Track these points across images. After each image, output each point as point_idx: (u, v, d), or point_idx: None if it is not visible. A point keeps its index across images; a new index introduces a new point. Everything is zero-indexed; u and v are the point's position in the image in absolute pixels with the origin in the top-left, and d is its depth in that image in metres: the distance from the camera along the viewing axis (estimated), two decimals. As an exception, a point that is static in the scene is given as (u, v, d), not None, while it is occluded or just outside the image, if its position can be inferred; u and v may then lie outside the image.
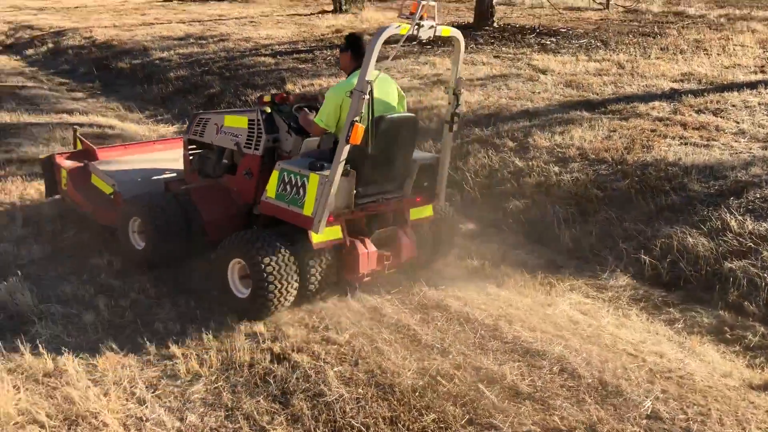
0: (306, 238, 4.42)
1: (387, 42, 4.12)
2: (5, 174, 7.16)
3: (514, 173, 6.61)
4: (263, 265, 4.22)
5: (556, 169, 6.42)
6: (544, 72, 9.52)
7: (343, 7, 18.89)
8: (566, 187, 6.18)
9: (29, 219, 5.99)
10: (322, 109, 4.66)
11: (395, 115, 4.73)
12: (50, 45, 17.01)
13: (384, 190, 4.84)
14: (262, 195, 4.70)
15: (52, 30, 18.56)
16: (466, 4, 18.59)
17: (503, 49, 11.53)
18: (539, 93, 8.51)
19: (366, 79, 4.12)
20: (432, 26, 4.30)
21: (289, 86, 10.44)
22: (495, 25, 13.75)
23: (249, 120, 5.06)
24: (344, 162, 4.27)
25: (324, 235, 4.43)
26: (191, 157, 5.61)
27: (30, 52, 16.97)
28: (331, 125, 4.60)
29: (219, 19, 18.71)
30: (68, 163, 5.99)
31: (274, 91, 5.79)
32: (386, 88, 4.86)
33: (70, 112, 10.15)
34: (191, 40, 15.06)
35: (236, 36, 15.16)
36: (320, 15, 18.85)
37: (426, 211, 5.17)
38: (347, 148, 4.20)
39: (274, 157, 4.93)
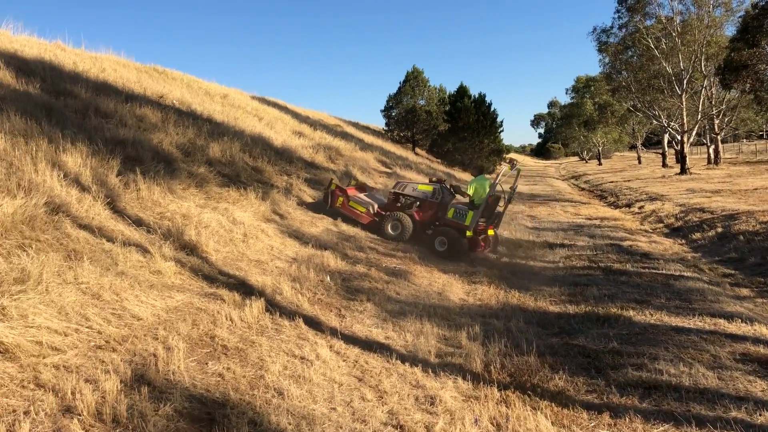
0: (462, 234, 12.33)
1: None
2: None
3: None
4: (450, 240, 12.31)
5: None
6: None
7: None
8: None
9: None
10: (473, 189, 12.83)
11: (495, 194, 12.69)
12: (719, 229, 15.20)
13: (487, 221, 12.64)
14: (430, 218, 13.06)
15: (723, 213, 16.86)
16: None
17: None
18: None
19: (495, 182, 12.76)
20: (518, 169, 13.02)
21: None
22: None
23: (433, 188, 13.25)
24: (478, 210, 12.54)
25: (469, 233, 12.36)
26: (395, 198, 13.86)
27: (696, 236, 15.49)
28: (475, 196, 12.74)
29: None
30: (338, 192, 13.56)
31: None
32: (486, 182, 12.95)
33: (729, 317, 7.78)
34: None
35: None
36: None
37: (491, 231, 12.71)
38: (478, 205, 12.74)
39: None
